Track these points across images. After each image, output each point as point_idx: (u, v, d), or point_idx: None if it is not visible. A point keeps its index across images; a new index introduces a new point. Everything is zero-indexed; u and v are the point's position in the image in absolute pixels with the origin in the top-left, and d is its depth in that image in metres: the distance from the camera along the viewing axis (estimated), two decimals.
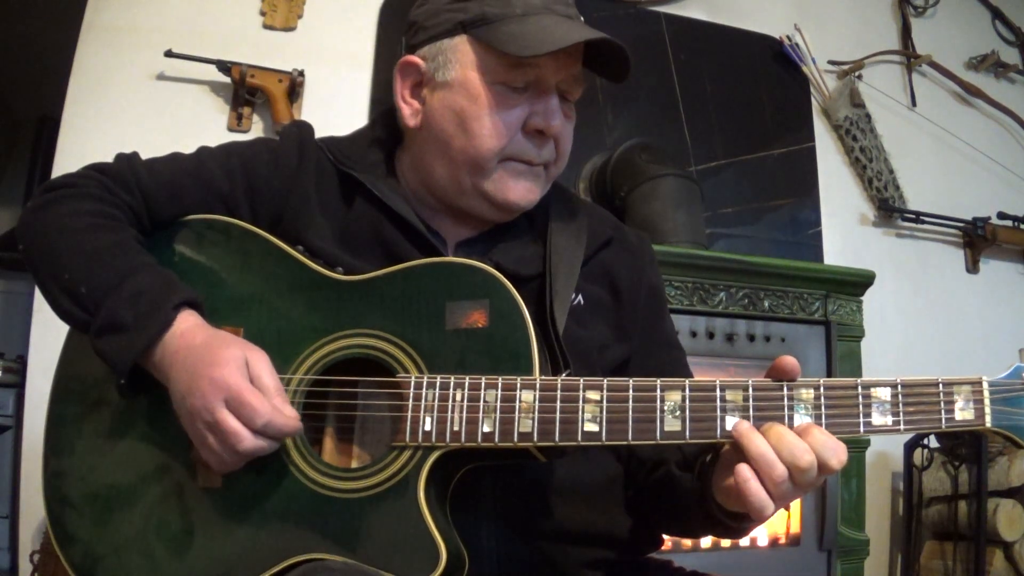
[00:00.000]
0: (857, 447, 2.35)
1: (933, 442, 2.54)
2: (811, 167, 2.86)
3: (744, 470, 0.76)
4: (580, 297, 1.02)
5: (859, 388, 0.78)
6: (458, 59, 0.97)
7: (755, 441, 0.76)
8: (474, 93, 0.96)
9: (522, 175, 0.99)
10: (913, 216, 2.89)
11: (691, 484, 0.90)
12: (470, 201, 1.01)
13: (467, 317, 0.87)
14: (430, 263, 0.92)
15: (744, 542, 2.23)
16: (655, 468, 0.99)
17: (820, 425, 0.78)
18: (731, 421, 0.79)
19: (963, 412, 0.76)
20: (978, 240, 3.00)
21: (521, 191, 0.99)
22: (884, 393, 0.77)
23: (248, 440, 0.80)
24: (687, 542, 2.15)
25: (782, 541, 2.28)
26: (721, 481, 0.82)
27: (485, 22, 0.96)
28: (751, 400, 0.79)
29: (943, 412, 0.77)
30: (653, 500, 1.01)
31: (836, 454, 0.75)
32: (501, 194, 0.98)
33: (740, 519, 0.86)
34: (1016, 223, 3.01)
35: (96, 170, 1.00)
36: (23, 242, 0.96)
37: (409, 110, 1.02)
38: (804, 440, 0.75)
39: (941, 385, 0.77)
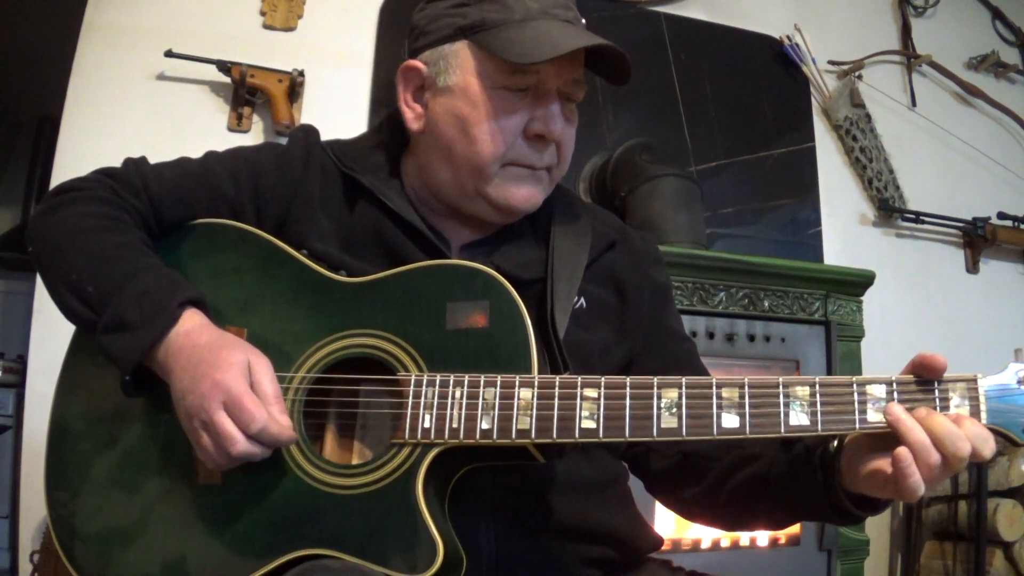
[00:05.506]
0: None
1: None
2: (811, 167, 2.86)
3: (906, 455, 0.75)
4: (582, 300, 1.02)
5: (854, 386, 0.78)
6: (459, 64, 0.97)
7: (915, 430, 0.75)
8: (475, 99, 0.96)
9: (524, 180, 1.00)
10: (913, 216, 2.89)
11: (811, 476, 0.88)
12: (473, 205, 1.01)
13: (468, 317, 0.87)
14: (431, 265, 0.93)
15: (744, 542, 2.23)
16: (739, 467, 0.97)
17: (816, 422, 0.78)
18: (728, 418, 0.79)
19: (959, 409, 0.77)
20: (978, 240, 2.99)
21: (523, 195, 1.00)
22: (879, 391, 0.78)
23: (241, 444, 0.81)
24: (687, 542, 2.15)
25: (782, 541, 2.28)
26: (857, 468, 0.81)
27: (484, 28, 0.96)
28: (747, 397, 0.79)
29: (939, 409, 0.77)
30: (743, 498, 0.98)
31: (988, 443, 0.76)
32: (503, 199, 0.99)
33: (866, 506, 0.86)
34: (1016, 223, 3.01)
35: (104, 174, 1.02)
36: (32, 243, 0.97)
37: (412, 114, 1.03)
38: (960, 429, 0.75)
39: (936, 383, 0.78)
